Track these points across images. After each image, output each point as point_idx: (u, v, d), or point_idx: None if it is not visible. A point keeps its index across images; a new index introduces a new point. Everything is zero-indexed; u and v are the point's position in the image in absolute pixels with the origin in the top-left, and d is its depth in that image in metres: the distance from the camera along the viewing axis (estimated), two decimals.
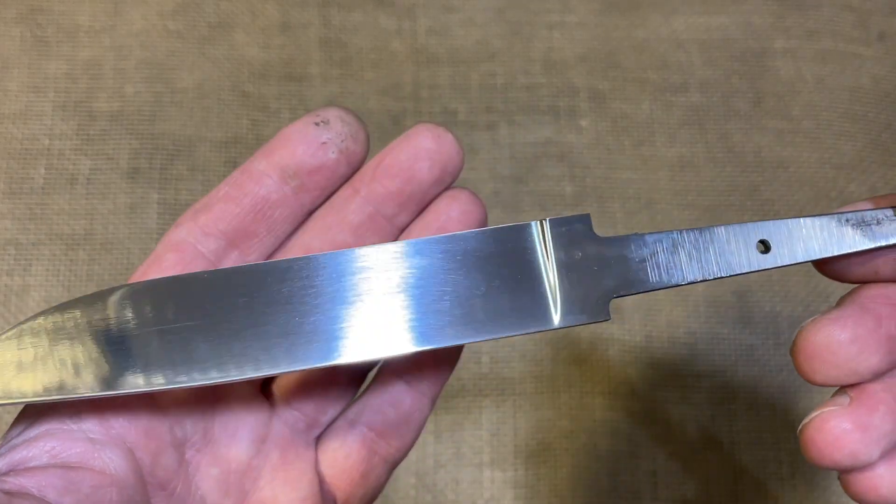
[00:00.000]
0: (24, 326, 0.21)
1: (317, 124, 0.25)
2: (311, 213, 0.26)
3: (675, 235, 0.22)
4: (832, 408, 0.21)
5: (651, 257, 0.22)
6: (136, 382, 0.21)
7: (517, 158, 0.51)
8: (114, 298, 0.22)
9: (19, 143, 0.49)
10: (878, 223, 0.22)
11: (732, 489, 0.46)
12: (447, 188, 0.27)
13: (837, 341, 0.21)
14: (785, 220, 0.22)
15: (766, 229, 0.22)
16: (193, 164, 0.50)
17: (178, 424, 0.24)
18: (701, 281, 0.22)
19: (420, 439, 0.46)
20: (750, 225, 0.22)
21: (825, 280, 0.24)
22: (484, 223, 0.27)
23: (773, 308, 0.49)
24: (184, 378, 0.21)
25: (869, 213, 0.22)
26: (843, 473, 0.21)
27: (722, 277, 0.22)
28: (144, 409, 0.23)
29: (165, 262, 0.24)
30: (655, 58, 0.54)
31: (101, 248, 0.48)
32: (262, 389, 0.26)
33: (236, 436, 0.25)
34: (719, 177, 0.52)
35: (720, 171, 0.52)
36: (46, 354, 0.21)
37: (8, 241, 0.47)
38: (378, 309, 0.22)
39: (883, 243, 0.22)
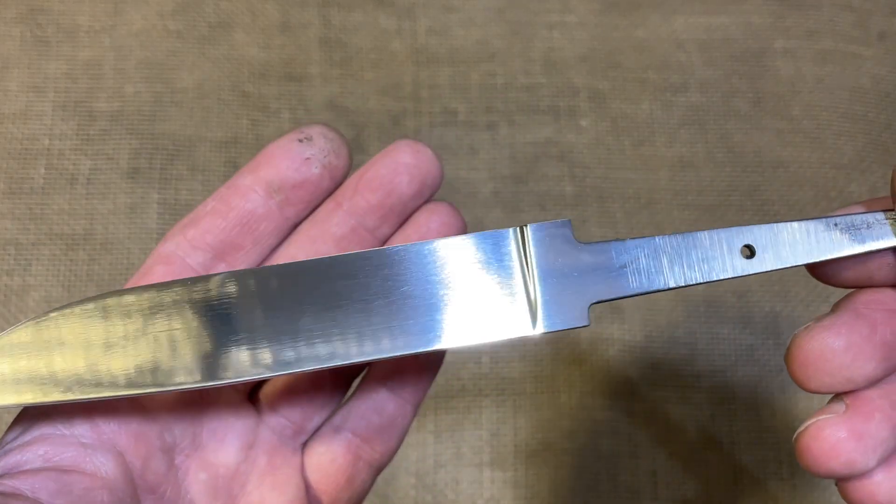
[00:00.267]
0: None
1: (300, 141, 0.26)
2: (295, 226, 0.27)
3: (657, 241, 0.22)
4: (827, 416, 0.21)
5: (631, 263, 0.22)
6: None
7: (517, 158, 0.51)
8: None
9: (19, 143, 0.49)
10: (868, 227, 0.22)
11: (732, 489, 0.46)
12: (427, 201, 0.27)
13: (831, 349, 0.21)
14: (771, 225, 0.22)
15: (752, 234, 0.22)
16: (193, 164, 0.50)
17: (167, 430, 0.24)
18: (683, 286, 0.22)
19: (420, 439, 0.46)
20: (734, 229, 0.22)
21: None
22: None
23: (773, 308, 0.49)
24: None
25: (859, 216, 0.22)
26: (841, 481, 0.21)
27: (704, 283, 0.22)
28: (134, 414, 0.23)
29: (155, 275, 0.25)
30: (655, 58, 0.54)
31: (101, 248, 0.48)
32: (249, 396, 0.27)
33: (224, 441, 0.25)
34: (719, 177, 0.52)
35: (720, 171, 0.52)
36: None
37: (8, 241, 0.47)
38: (357, 315, 0.22)
39: (872, 247, 0.22)
